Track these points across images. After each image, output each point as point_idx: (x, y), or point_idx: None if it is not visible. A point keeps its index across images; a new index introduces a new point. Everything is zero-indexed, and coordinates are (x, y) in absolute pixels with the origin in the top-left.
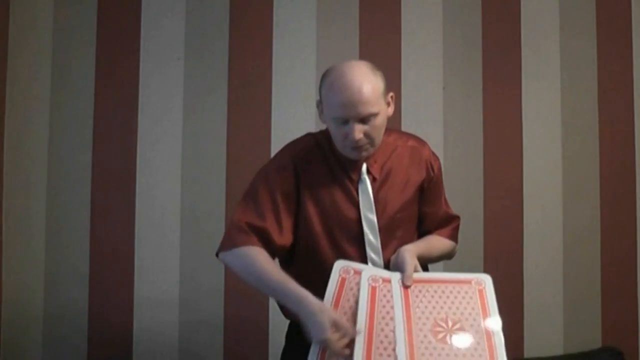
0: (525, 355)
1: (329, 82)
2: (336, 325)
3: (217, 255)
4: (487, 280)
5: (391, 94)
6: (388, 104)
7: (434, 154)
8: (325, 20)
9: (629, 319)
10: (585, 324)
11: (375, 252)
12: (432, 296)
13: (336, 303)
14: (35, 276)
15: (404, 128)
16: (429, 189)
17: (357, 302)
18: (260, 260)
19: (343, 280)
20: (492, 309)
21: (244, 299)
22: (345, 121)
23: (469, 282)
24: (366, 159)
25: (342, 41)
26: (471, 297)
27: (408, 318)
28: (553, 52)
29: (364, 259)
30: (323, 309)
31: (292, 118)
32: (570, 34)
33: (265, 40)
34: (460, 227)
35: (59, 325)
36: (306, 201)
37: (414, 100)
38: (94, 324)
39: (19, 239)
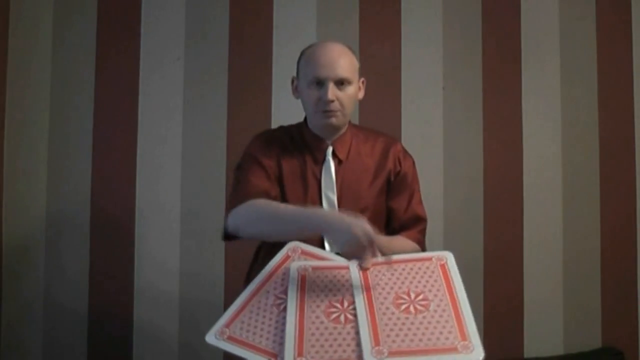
0: (525, 355)
1: (309, 53)
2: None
3: (225, 229)
4: (448, 257)
5: (363, 79)
6: (359, 88)
7: (406, 152)
8: (325, 20)
9: (629, 319)
10: (585, 324)
11: None
12: (392, 274)
13: (272, 274)
14: (34, 278)
15: (403, 128)
16: (394, 183)
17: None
18: (271, 204)
19: (287, 257)
20: (455, 280)
21: None
22: (321, 83)
23: (429, 259)
24: (333, 143)
25: (342, 41)
26: (433, 272)
27: (368, 296)
28: (553, 52)
29: (322, 240)
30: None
31: (292, 118)
32: (570, 34)
33: (265, 40)
34: (461, 227)
35: (58, 326)
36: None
37: (414, 100)
38: (93, 325)
39: (18, 242)
